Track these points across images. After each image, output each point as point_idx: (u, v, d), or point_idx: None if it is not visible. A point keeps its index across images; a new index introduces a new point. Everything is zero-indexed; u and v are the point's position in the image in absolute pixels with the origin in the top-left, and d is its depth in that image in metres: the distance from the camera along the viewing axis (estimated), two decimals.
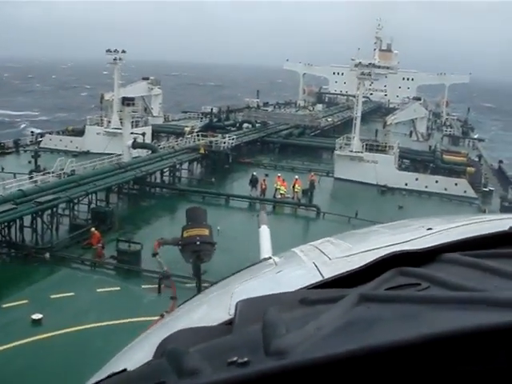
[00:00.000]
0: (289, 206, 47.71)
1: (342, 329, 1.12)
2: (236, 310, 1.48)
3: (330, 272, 1.85)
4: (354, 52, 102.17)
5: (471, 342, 0.98)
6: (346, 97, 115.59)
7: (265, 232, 4.64)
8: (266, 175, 51.94)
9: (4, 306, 25.05)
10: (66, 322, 23.56)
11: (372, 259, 1.66)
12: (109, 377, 1.39)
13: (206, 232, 6.01)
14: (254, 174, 51.78)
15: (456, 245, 1.75)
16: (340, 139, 61.02)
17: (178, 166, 52.80)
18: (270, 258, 2.64)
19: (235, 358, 1.04)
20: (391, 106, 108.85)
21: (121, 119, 58.53)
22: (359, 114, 59.71)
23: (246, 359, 1.03)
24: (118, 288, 27.90)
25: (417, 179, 57.92)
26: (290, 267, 2.27)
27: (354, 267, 1.73)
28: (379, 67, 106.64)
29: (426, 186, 56.83)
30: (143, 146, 55.09)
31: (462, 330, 0.99)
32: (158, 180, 50.73)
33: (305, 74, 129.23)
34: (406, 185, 56.53)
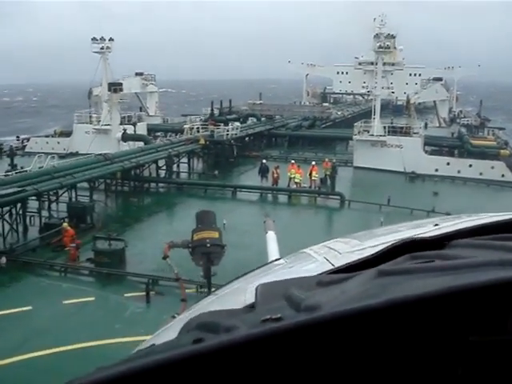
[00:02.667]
0: (307, 196, 40.56)
1: (366, 291, 1.16)
2: (256, 292, 1.47)
3: (341, 263, 1.84)
4: (356, 51, 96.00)
5: (484, 296, 1.05)
6: (352, 96, 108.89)
7: (272, 238, 4.45)
8: (277, 167, 44.56)
9: None
10: (11, 347, 16.50)
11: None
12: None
13: (216, 235, 5.59)
14: (264, 161, 44.78)
15: (465, 232, 1.76)
16: (358, 123, 54.03)
17: (175, 160, 45.80)
18: (279, 258, 2.80)
19: (268, 316, 1.08)
20: (399, 103, 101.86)
21: (108, 110, 51.37)
22: (379, 93, 52.70)
23: (279, 315, 1.07)
24: (92, 298, 20.95)
25: (448, 164, 51.07)
26: (302, 263, 2.26)
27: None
28: (384, 64, 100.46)
29: (459, 171, 50.04)
30: (134, 137, 48.26)
31: (472, 284, 1.05)
32: (154, 175, 43.68)
33: (308, 75, 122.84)
34: (437, 171, 49.68)
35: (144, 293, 20.93)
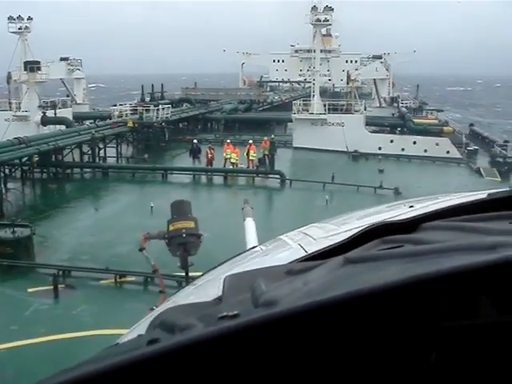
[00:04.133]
0: (245, 176, 37.39)
1: (328, 282, 1.16)
2: (224, 284, 1.47)
3: (315, 249, 1.85)
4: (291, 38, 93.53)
5: (447, 284, 1.05)
6: (288, 83, 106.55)
7: (250, 224, 4.54)
8: (211, 147, 41.12)
9: None
10: None
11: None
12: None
13: (192, 224, 5.20)
14: (195, 141, 41.49)
15: (437, 214, 1.76)
16: (297, 102, 51.29)
17: (101, 145, 41.94)
18: (256, 246, 2.77)
19: (225, 313, 1.07)
20: (336, 90, 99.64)
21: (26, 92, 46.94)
22: (318, 68, 50.00)
23: (236, 312, 1.06)
24: None
25: (392, 141, 49.08)
26: (276, 250, 2.30)
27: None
28: (320, 51, 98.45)
29: (403, 149, 48.19)
30: (55, 121, 44.07)
31: (437, 272, 1.03)
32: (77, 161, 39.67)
33: (243, 63, 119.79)
34: (380, 149, 47.50)
35: (51, 287, 17.40)
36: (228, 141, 41.16)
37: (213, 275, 2.22)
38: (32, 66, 43.44)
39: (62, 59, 68.17)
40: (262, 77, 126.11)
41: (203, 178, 36.75)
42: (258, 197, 33.18)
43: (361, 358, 1.05)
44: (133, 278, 18.77)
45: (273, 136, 41.12)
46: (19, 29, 52.96)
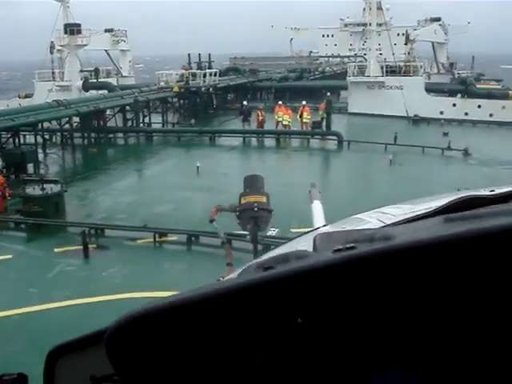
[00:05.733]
0: (299, 138, 34.59)
1: (440, 229, 1.08)
2: (315, 241, 1.33)
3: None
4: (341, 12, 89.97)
5: None
6: (338, 58, 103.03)
7: (317, 207, 4.39)
8: (262, 109, 38.46)
9: None
10: None
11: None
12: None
13: (264, 199, 5.20)
14: (245, 103, 38.88)
15: None
16: (352, 64, 48.15)
17: (145, 111, 39.71)
18: (326, 225, 2.55)
19: (341, 246, 1.01)
20: (388, 64, 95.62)
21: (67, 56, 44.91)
22: (374, 27, 46.75)
23: (352, 245, 1.00)
24: (9, 256, 15.06)
25: (454, 105, 45.62)
26: (354, 225, 2.08)
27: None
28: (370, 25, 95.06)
29: (467, 114, 44.65)
30: (97, 86, 42.14)
31: None
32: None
33: (292, 39, 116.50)
34: (442, 113, 43.92)
35: (80, 246, 15.07)
36: (280, 102, 38.35)
37: (285, 247, 1.95)
38: (72, 29, 41.36)
39: (107, 31, 65.96)
40: (311, 52, 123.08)
41: (254, 141, 34.22)
42: (315, 158, 30.53)
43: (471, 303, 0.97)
44: (174, 238, 16.37)
45: (329, 94, 38.01)
46: None
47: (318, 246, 1.28)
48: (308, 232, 2.28)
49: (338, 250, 0.98)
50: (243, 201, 5.24)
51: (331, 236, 1.34)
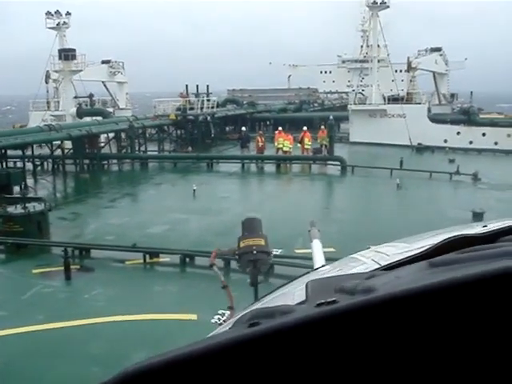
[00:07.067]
0: (299, 163, 33.26)
1: (420, 276, 1.13)
2: (307, 288, 1.41)
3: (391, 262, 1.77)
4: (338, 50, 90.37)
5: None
6: (337, 94, 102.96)
7: (317, 246, 4.34)
8: (262, 134, 37.30)
9: None
10: None
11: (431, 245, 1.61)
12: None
13: (263, 242, 4.97)
14: (244, 129, 37.65)
15: None
16: (353, 93, 47.16)
17: (140, 138, 38.46)
18: (325, 265, 2.75)
19: (323, 300, 1.04)
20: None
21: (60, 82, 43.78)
22: (376, 54, 45.96)
23: (334, 298, 1.03)
24: None
25: (459, 133, 44.41)
26: (349, 266, 2.18)
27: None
28: (368, 61, 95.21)
29: (471, 142, 43.51)
30: (92, 112, 40.89)
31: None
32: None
33: (290, 76, 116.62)
34: (446, 142, 42.79)
35: (61, 267, 13.52)
36: (280, 128, 37.13)
37: (283, 290, 2.08)
38: (67, 54, 40.27)
39: (104, 62, 65.26)
40: (309, 88, 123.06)
41: (253, 167, 32.86)
42: (319, 183, 29.18)
43: (459, 348, 0.94)
44: (167, 259, 14.84)
45: (331, 117, 36.69)
46: (57, 24, 50.26)
47: (308, 294, 1.33)
48: (307, 273, 2.33)
49: (321, 304, 1.01)
50: (242, 244, 4.98)
51: (321, 284, 1.37)
